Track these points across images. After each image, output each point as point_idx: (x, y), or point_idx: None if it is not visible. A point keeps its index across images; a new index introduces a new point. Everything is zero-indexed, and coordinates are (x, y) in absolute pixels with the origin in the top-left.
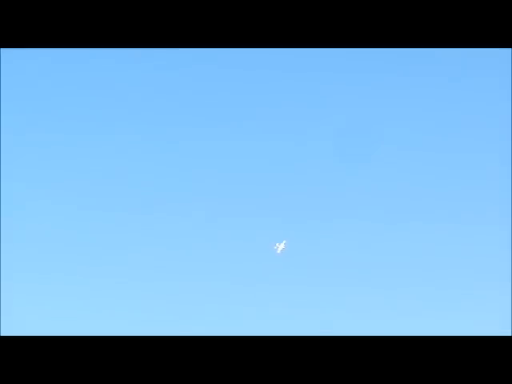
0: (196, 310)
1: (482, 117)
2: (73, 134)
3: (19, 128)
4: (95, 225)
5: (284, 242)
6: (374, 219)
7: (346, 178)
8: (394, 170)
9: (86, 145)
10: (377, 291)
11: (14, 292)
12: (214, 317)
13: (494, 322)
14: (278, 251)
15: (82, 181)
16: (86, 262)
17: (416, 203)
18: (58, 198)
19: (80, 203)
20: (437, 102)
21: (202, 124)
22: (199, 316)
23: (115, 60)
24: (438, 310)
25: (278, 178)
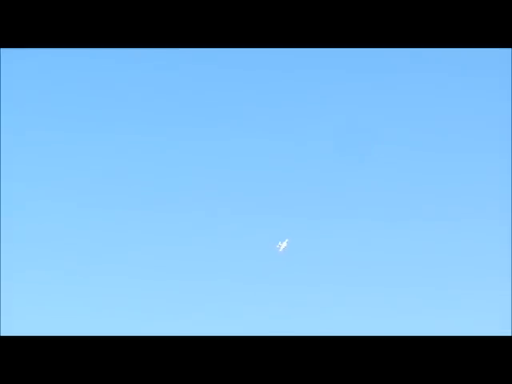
0: (198, 308)
1: (482, 117)
2: (73, 134)
3: (19, 128)
4: (95, 224)
5: (286, 240)
6: (375, 218)
7: (347, 177)
8: (395, 170)
9: (86, 144)
10: (376, 291)
11: (14, 292)
12: (215, 315)
13: (494, 322)
14: (280, 250)
15: (83, 180)
16: (86, 262)
17: (416, 203)
18: (58, 197)
19: (80, 203)
20: (437, 102)
21: (202, 124)
22: (201, 315)
23: (115, 60)
24: (438, 309)
25: (279, 177)
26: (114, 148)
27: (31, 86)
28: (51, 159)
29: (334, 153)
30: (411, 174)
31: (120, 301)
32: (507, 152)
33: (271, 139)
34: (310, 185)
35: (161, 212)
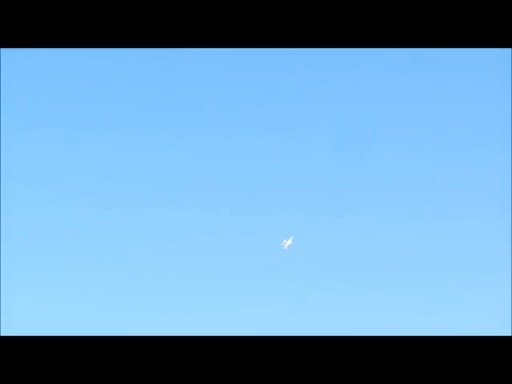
0: (202, 306)
1: (482, 116)
2: (73, 133)
3: (19, 127)
4: (96, 224)
5: (291, 238)
6: (377, 216)
7: (349, 176)
8: (395, 169)
9: (86, 144)
10: (376, 290)
11: (14, 292)
12: (220, 313)
13: (494, 322)
14: (285, 247)
15: (83, 179)
16: (86, 262)
17: (416, 203)
18: (58, 197)
19: (80, 203)
20: (437, 102)
21: (203, 123)
22: (206, 312)
23: (115, 60)
24: (438, 309)
25: (283, 176)
26: (114, 148)
27: (31, 86)
28: (51, 159)
29: (336, 152)
30: (411, 173)
31: (121, 300)
32: (507, 152)
33: (273, 139)
34: (314, 183)
35: (165, 210)
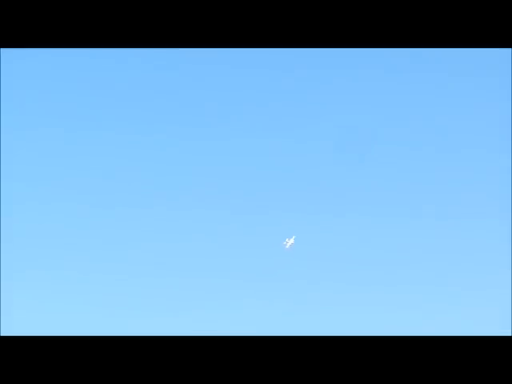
0: (204, 306)
1: (481, 117)
2: (73, 134)
3: (19, 127)
4: (96, 224)
5: (293, 237)
6: (377, 217)
7: (350, 176)
8: (396, 169)
9: (86, 144)
10: (376, 290)
11: (14, 292)
12: (221, 313)
13: (494, 322)
14: (287, 246)
15: (82, 179)
16: (86, 262)
17: (416, 203)
18: (58, 197)
19: (80, 203)
20: (437, 102)
21: (203, 123)
22: (207, 312)
23: (115, 60)
24: (438, 309)
25: (285, 176)
26: (114, 148)
27: (31, 86)
28: (51, 159)
29: (337, 152)
30: (412, 173)
31: (121, 300)
32: (507, 152)
33: (274, 138)
34: (315, 183)
35: (166, 210)
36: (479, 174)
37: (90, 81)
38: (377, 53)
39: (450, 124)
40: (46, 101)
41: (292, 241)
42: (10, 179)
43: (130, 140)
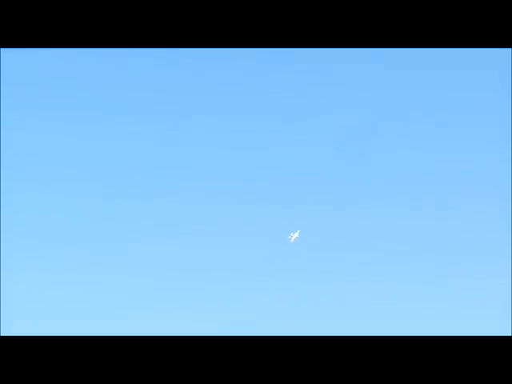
0: (207, 299)
1: (481, 117)
2: (73, 134)
3: (19, 128)
4: (97, 224)
5: (298, 231)
6: (381, 211)
7: (353, 172)
8: (398, 163)
9: (86, 144)
10: (374, 290)
11: (14, 292)
12: (226, 307)
13: (494, 322)
14: (292, 240)
15: (83, 179)
16: (87, 262)
17: (417, 202)
18: (58, 197)
19: (81, 205)
20: (437, 102)
21: (204, 124)
22: (211, 306)
23: (115, 60)
24: (438, 309)
25: (286, 170)
26: (114, 147)
27: (31, 86)
28: (51, 159)
29: (340, 147)
30: (415, 172)
31: (121, 300)
32: (507, 152)
33: (277, 133)
34: (320, 178)
35: (170, 204)
36: (479, 174)
37: (90, 81)
38: (377, 52)
39: (449, 124)
40: (46, 101)
41: (297, 235)
42: (10, 179)
43: (131, 140)
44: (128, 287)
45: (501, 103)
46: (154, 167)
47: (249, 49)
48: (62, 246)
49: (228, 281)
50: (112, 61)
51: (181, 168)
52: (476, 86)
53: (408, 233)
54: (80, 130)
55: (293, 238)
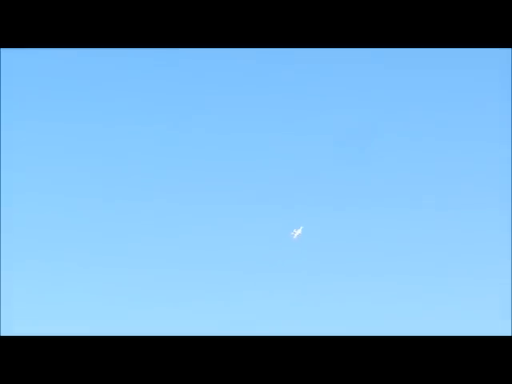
0: (211, 297)
1: (481, 117)
2: (73, 134)
3: (19, 128)
4: (97, 225)
5: (301, 228)
6: (380, 209)
7: (353, 169)
8: (398, 162)
9: (86, 144)
10: (374, 289)
11: (14, 292)
12: (230, 304)
13: (494, 322)
14: (295, 237)
15: (82, 179)
16: (87, 262)
17: (417, 202)
18: (58, 196)
19: (80, 203)
20: (437, 102)
21: (205, 123)
22: (215, 303)
23: (115, 60)
24: (438, 309)
25: (289, 168)
26: (114, 147)
27: (31, 86)
28: (51, 158)
29: (341, 146)
30: (413, 171)
31: (122, 300)
32: (507, 152)
33: (279, 133)
34: (323, 176)
35: (173, 202)
36: (479, 174)
37: (90, 81)
38: (377, 52)
39: (449, 124)
40: (45, 101)
41: (300, 231)
42: (10, 179)
43: (131, 139)
44: (128, 287)
45: (501, 103)
46: (155, 167)
47: (249, 49)
48: (62, 246)
49: (231, 276)
50: (112, 61)
51: (183, 167)
52: (476, 85)
53: (408, 233)
54: (80, 130)
55: (295, 235)
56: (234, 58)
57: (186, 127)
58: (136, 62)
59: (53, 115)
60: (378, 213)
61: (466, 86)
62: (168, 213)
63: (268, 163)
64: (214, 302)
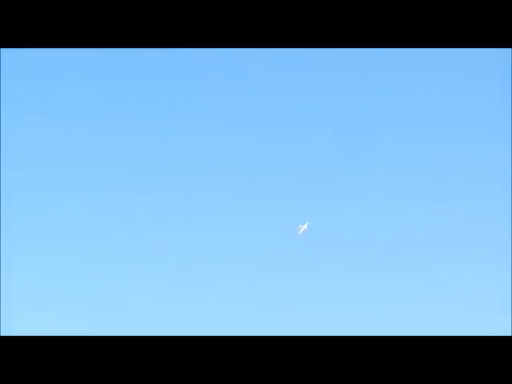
0: (217, 292)
1: (481, 117)
2: (73, 134)
3: (19, 128)
4: (98, 225)
5: (307, 223)
6: (383, 204)
7: (356, 166)
8: (397, 166)
9: (86, 144)
10: (373, 289)
11: (14, 292)
12: (234, 298)
13: (494, 321)
14: (300, 232)
15: (82, 179)
16: (87, 262)
17: (417, 202)
18: (58, 195)
19: (81, 203)
20: (437, 102)
21: (208, 121)
22: (221, 298)
23: (115, 60)
24: (438, 309)
25: (294, 164)
26: (114, 146)
27: (31, 85)
28: (51, 157)
29: (344, 142)
30: (414, 170)
31: (122, 300)
32: (507, 152)
33: (278, 133)
34: (327, 172)
35: (178, 198)
36: (479, 174)
37: (90, 81)
38: (377, 52)
39: (450, 123)
40: (45, 101)
41: (305, 227)
42: (10, 179)
43: (131, 139)
44: (128, 287)
45: (501, 103)
46: (157, 166)
47: (249, 49)
48: (62, 246)
49: (237, 271)
50: (112, 61)
51: (189, 164)
52: (476, 85)
53: (408, 232)
54: (79, 130)
55: (301, 230)
56: (234, 58)
57: (186, 127)
58: (136, 62)
59: (53, 115)
60: (381, 208)
61: (466, 86)
62: (174, 208)
63: (271, 159)
64: (219, 297)
